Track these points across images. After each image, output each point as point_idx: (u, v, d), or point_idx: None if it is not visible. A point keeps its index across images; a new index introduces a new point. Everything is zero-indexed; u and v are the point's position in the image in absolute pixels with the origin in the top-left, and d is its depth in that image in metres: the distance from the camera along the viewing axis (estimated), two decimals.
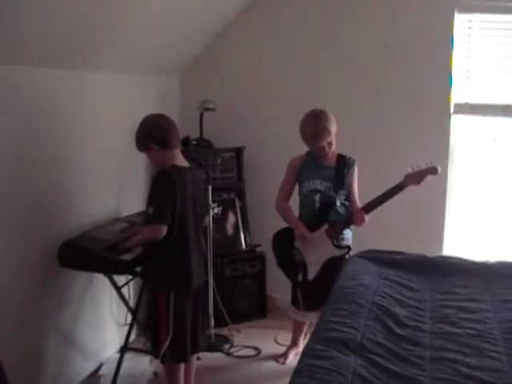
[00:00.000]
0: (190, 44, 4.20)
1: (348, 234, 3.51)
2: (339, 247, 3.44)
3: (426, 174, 3.24)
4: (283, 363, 3.75)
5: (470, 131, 4.11)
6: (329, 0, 4.18)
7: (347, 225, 3.44)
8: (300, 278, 3.52)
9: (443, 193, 4.12)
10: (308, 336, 3.84)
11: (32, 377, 3.04)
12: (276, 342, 4.03)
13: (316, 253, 3.45)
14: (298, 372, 1.98)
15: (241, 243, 4.26)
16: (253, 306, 4.34)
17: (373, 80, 4.15)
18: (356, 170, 3.48)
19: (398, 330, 2.37)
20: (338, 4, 4.16)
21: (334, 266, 3.37)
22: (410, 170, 3.26)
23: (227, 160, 4.29)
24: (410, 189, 4.04)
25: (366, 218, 3.34)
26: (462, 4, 3.94)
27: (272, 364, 3.76)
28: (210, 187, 3.72)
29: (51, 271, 3.11)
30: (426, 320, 2.50)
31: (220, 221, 4.17)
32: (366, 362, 2.08)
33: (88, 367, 3.52)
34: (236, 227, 4.26)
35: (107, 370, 3.50)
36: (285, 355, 3.78)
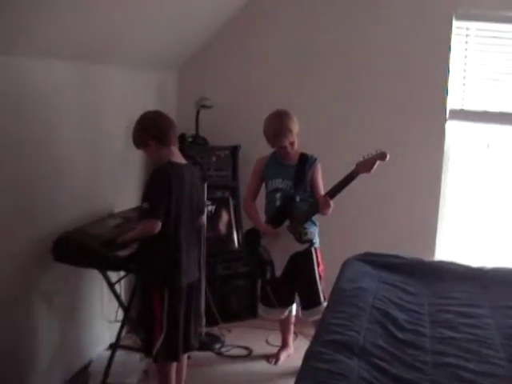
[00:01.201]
0: (187, 41, 4.16)
1: (312, 228, 3.52)
2: (302, 241, 3.47)
3: (375, 160, 3.25)
4: (275, 364, 3.75)
5: (464, 137, 4.15)
6: (327, 3, 4.19)
7: (312, 214, 3.45)
8: (268, 276, 3.55)
9: (437, 198, 4.15)
10: (298, 337, 3.96)
11: (21, 373, 2.99)
12: (267, 342, 4.02)
13: (280, 249, 3.50)
14: (302, 375, 1.98)
15: (234, 242, 4.25)
16: (244, 306, 4.32)
17: (369, 85, 4.16)
18: (319, 167, 3.52)
19: (399, 334, 2.38)
20: (336, 9, 4.16)
21: (298, 262, 3.46)
22: (361, 159, 3.29)
23: (222, 158, 4.27)
24: (405, 193, 4.14)
25: (331, 203, 3.33)
26: (460, 12, 3.98)
27: (263, 364, 3.76)
28: (205, 185, 3.71)
29: (43, 266, 3.06)
30: (426, 324, 2.52)
31: (213, 219, 4.14)
32: (369, 366, 2.08)
33: (77, 364, 3.47)
34: (229, 226, 4.24)
35: (97, 367, 3.44)
36: (276, 356, 3.79)
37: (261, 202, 3.67)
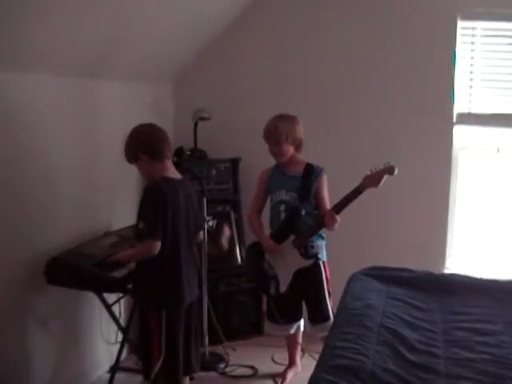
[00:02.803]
0: (183, 51, 4.10)
1: (318, 241, 3.40)
2: (307, 257, 3.34)
3: (383, 175, 3.12)
4: None
5: (473, 141, 4.01)
6: (326, 9, 4.08)
7: (317, 229, 3.33)
8: (272, 292, 3.44)
9: (445, 206, 4.03)
10: (305, 355, 3.82)
11: None
12: (273, 360, 3.89)
13: (285, 265, 3.38)
14: None
15: (236, 258, 4.13)
16: (248, 323, 4.20)
17: (373, 89, 4.06)
18: (324, 178, 3.40)
19: (410, 356, 2.22)
20: (338, 12, 4.07)
21: (303, 278, 3.35)
22: (368, 172, 3.16)
23: (222, 171, 4.17)
24: (413, 202, 4.01)
25: (338, 218, 3.22)
26: (464, 11, 3.86)
27: None
28: (204, 200, 3.59)
29: (38, 288, 2.99)
30: (439, 344, 2.36)
31: (215, 234, 4.04)
32: None
33: None
34: (231, 241, 4.14)
35: None
36: (283, 376, 3.66)
37: (266, 214, 3.56)
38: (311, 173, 3.37)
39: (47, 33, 2.64)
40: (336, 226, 3.24)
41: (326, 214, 3.25)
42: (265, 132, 3.40)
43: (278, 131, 3.34)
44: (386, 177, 3.11)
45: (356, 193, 3.15)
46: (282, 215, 3.40)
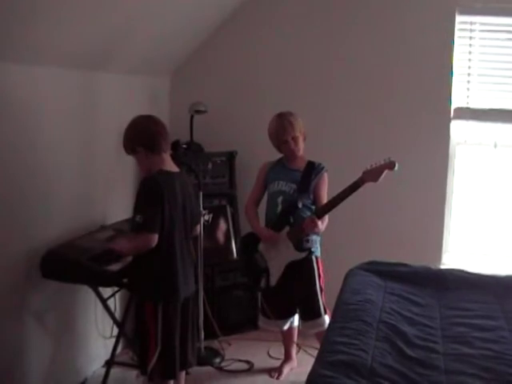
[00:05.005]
0: (181, 45, 4.06)
1: (314, 236, 3.38)
2: (300, 250, 3.33)
3: (383, 170, 3.11)
4: (277, 378, 3.60)
5: (470, 136, 4.00)
6: (326, 2, 4.06)
7: (301, 230, 3.29)
8: (263, 285, 3.42)
9: (442, 200, 4.01)
10: (301, 349, 3.81)
11: None
12: (269, 355, 3.88)
13: (278, 257, 3.36)
14: None
15: (232, 252, 4.09)
16: (244, 318, 4.18)
17: (371, 83, 4.04)
18: (325, 176, 3.39)
19: (409, 352, 2.21)
20: (336, 6, 4.04)
21: (295, 270, 3.33)
22: (368, 167, 3.15)
23: (219, 165, 4.13)
24: (410, 197, 3.99)
25: (320, 225, 3.23)
26: (462, 6, 3.84)
27: (265, 379, 3.61)
28: (201, 193, 3.57)
29: (33, 282, 2.96)
30: (438, 339, 2.35)
31: (210, 228, 3.99)
32: None
33: (72, 383, 3.35)
34: (227, 235, 4.09)
35: None
36: (279, 370, 3.65)
37: (263, 207, 3.54)
38: (312, 169, 3.37)
39: (47, 25, 2.61)
40: (316, 230, 3.24)
41: (306, 218, 3.25)
42: (279, 130, 3.36)
43: (294, 126, 3.34)
44: (385, 172, 3.10)
45: (354, 187, 3.14)
46: (279, 207, 3.38)
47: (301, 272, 3.36)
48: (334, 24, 4.06)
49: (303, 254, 3.34)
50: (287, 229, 3.33)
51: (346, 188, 3.16)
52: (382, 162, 3.10)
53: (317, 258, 3.40)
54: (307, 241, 3.35)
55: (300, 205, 3.31)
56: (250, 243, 3.49)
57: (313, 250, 3.37)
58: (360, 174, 3.16)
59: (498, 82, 3.93)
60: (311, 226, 3.22)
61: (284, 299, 3.46)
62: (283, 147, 3.40)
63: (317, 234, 3.34)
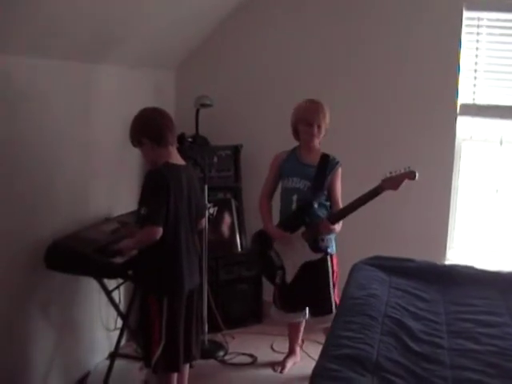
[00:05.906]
0: (185, 38, 4.06)
1: (330, 235, 3.37)
2: (316, 250, 3.31)
3: (404, 179, 3.11)
4: (281, 372, 3.61)
5: (476, 133, 3.98)
6: None
7: (315, 234, 3.30)
8: (278, 281, 3.41)
9: (447, 198, 4.00)
10: (305, 343, 3.81)
11: None
12: (272, 349, 3.88)
13: (293, 256, 3.34)
14: None
15: (236, 245, 4.11)
16: (248, 311, 4.19)
17: (377, 79, 4.03)
18: (339, 171, 3.35)
19: (415, 346, 2.21)
20: (344, 2, 4.03)
21: (310, 271, 3.31)
22: (387, 175, 3.13)
23: (224, 158, 4.14)
24: (415, 193, 3.98)
25: (337, 227, 3.26)
26: (470, 1, 3.82)
27: (269, 372, 3.62)
28: (206, 187, 3.57)
29: (37, 274, 2.96)
30: (443, 335, 2.35)
31: (215, 222, 4.00)
32: (384, 383, 1.91)
33: (75, 375, 3.37)
34: (232, 228, 4.11)
35: (95, 378, 3.33)
36: (282, 364, 3.66)
37: (276, 199, 3.53)
38: (327, 164, 3.32)
39: (50, 16, 2.60)
40: (333, 232, 3.27)
41: (321, 223, 3.25)
42: (309, 111, 3.31)
43: (325, 115, 3.30)
44: (406, 181, 3.10)
45: (373, 194, 3.14)
46: (294, 205, 3.34)
47: (316, 274, 3.35)
48: (341, 20, 4.04)
49: (319, 255, 3.33)
50: (303, 229, 3.31)
51: (363, 195, 3.15)
52: (402, 171, 3.09)
53: (331, 256, 3.39)
54: (322, 240, 3.33)
55: (316, 205, 3.30)
56: (264, 240, 3.45)
57: (329, 250, 3.36)
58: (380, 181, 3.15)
59: (505, 79, 3.91)
60: (327, 230, 3.24)
61: (297, 297, 3.45)
62: (303, 130, 3.33)
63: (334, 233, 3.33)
